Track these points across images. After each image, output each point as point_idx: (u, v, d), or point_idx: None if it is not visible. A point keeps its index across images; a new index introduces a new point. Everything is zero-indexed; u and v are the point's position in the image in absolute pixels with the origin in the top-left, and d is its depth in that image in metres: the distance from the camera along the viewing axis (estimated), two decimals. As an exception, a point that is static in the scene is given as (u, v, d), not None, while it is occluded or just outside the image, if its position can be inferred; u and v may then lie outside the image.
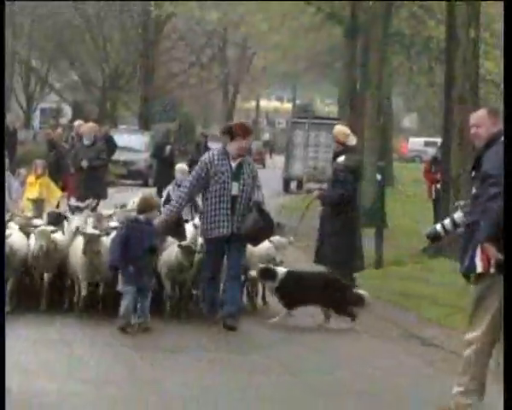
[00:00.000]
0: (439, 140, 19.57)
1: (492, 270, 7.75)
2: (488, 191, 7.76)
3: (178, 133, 43.61)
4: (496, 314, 7.85)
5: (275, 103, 69.23)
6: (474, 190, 8.30)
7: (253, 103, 63.01)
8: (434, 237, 9.62)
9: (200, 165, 11.63)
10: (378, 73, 22.87)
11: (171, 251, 11.96)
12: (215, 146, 13.70)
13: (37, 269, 12.55)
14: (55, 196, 15.98)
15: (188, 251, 11.59)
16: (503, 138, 7.88)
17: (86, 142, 17.18)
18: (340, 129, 14.74)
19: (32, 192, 16.26)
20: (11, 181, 16.57)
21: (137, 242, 11.02)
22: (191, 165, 14.20)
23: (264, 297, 13.35)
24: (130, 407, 8.54)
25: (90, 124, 19.08)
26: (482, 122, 8.44)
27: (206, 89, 56.09)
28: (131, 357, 10.30)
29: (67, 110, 55.56)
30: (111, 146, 27.48)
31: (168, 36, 50.94)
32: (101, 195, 16.50)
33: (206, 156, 11.84)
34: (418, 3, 26.32)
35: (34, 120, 56.84)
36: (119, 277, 11.33)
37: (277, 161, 48.44)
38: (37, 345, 10.90)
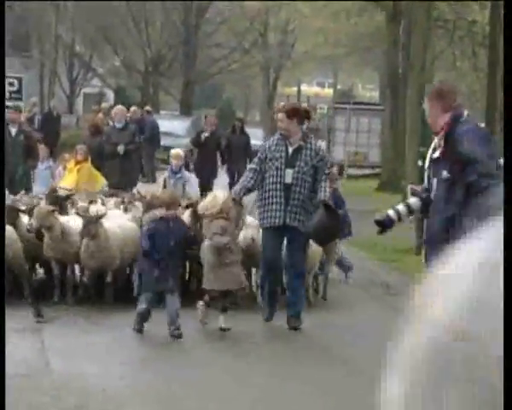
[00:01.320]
0: (482, 125, 19.49)
1: None
2: (475, 181, 7.07)
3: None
4: None
5: (316, 89, 69.10)
6: (443, 174, 7.58)
7: (294, 89, 62.89)
8: (387, 223, 8.56)
9: (261, 149, 11.21)
10: (421, 57, 22.72)
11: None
12: (254, 131, 13.68)
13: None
14: (98, 183, 15.62)
15: None
16: (466, 113, 7.43)
17: (118, 125, 17.07)
18: None
19: (70, 179, 15.89)
20: (53, 167, 16.57)
21: (163, 241, 10.59)
22: (226, 149, 13.90)
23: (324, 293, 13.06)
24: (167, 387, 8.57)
25: (120, 106, 18.80)
26: (429, 107, 7.80)
27: (248, 74, 56.11)
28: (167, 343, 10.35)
29: (110, 95, 55.68)
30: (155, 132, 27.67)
31: (210, 20, 50.93)
32: (133, 180, 16.26)
33: (267, 141, 11.37)
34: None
35: (77, 104, 56.97)
36: (136, 280, 11.26)
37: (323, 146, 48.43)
38: (77, 331, 11.03)
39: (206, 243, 11.01)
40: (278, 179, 10.58)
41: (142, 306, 10.64)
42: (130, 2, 48.36)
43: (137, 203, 13.37)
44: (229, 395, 8.47)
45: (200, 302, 10.89)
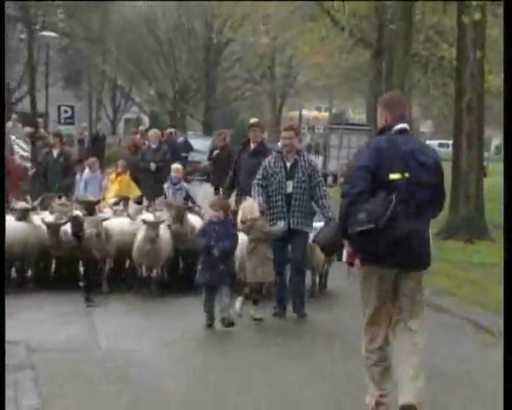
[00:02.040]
0: (450, 142, 19.43)
1: (357, 262, 6.55)
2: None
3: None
4: (373, 301, 6.35)
5: (314, 113, 68.84)
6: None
7: (297, 113, 62.75)
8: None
9: (262, 168, 10.72)
10: (400, 87, 22.64)
11: None
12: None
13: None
14: (133, 193, 15.11)
15: None
16: (398, 127, 6.31)
17: (153, 146, 17.01)
18: None
19: (113, 188, 15.83)
20: (100, 177, 16.53)
21: (211, 242, 9.96)
22: (235, 164, 13.66)
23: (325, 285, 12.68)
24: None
25: (155, 130, 18.70)
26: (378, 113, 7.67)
27: (258, 101, 56.13)
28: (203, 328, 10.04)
29: (146, 120, 55.64)
30: (188, 146, 27.57)
31: (227, 57, 51.05)
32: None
33: (266, 160, 10.90)
34: (433, 29, 26.07)
35: (119, 128, 57.06)
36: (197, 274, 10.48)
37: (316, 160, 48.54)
38: (123, 314, 11.01)
39: (250, 241, 10.38)
40: (280, 190, 10.36)
41: (206, 307, 10.01)
42: (161, 43, 48.49)
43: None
44: (261, 379, 8.06)
45: (241, 295, 10.30)
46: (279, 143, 11.57)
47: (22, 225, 12.05)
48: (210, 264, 9.93)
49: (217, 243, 9.87)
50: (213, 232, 9.95)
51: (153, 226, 11.33)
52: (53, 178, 16.12)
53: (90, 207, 12.53)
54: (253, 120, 13.44)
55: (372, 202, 6.03)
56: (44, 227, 11.91)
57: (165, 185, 14.72)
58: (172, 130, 27.35)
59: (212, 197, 14.14)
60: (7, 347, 8.88)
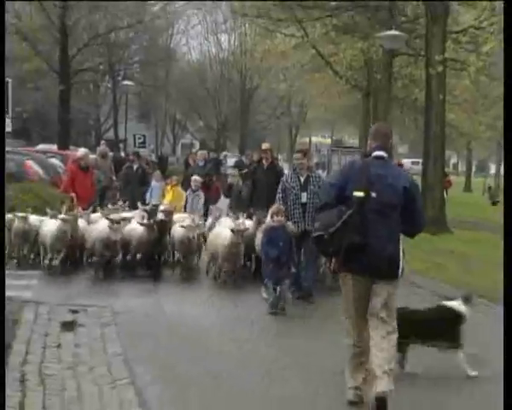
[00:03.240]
0: (420, 160, 19.36)
1: (333, 267, 5.71)
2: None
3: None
4: (352, 300, 5.56)
5: (320, 139, 68.60)
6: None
7: (307, 139, 62.79)
8: None
9: (281, 183, 10.22)
10: (383, 120, 22.61)
11: None
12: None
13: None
14: (181, 202, 14.50)
15: None
16: (374, 154, 5.61)
17: (200, 164, 16.91)
18: None
19: (168, 197, 15.29)
20: (163, 185, 16.42)
21: (273, 243, 9.32)
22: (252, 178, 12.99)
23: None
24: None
25: (202, 151, 18.69)
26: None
27: (279, 130, 56.30)
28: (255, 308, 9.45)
29: (197, 144, 55.89)
30: (220, 164, 27.60)
31: (256, 99, 51.23)
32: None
33: (284, 177, 10.47)
34: (408, 78, 25.97)
35: (177, 150, 57.33)
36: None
37: (322, 175, 48.60)
38: (183, 289, 10.89)
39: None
40: (297, 200, 9.88)
41: (270, 298, 9.14)
42: (209, 88, 48.74)
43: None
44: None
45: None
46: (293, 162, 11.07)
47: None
48: (276, 262, 9.17)
49: (279, 245, 9.20)
50: (276, 235, 9.29)
51: (238, 233, 10.42)
52: (133, 187, 16.08)
53: (169, 215, 12.02)
54: (265, 146, 12.83)
55: (328, 213, 5.44)
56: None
57: (188, 192, 14.42)
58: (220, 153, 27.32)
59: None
60: (98, 309, 8.97)
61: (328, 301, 9.81)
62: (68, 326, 8.04)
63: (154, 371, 6.64)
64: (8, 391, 5.84)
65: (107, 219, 11.08)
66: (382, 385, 5.33)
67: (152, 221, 11.57)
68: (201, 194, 14.44)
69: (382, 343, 5.45)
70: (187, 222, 11.46)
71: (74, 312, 8.69)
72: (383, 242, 5.42)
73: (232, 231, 10.45)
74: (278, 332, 8.41)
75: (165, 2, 35.94)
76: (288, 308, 9.24)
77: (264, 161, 12.39)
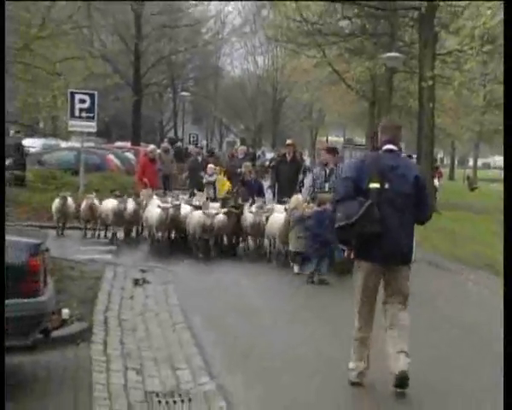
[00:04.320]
0: (414, 155, 19.07)
1: (352, 256, 4.87)
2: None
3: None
4: (362, 288, 4.79)
5: (335, 138, 67.56)
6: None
7: (324, 138, 62.11)
8: None
9: (311, 174, 9.66)
10: (385, 124, 22.37)
11: None
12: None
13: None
14: (224, 189, 13.56)
15: None
16: (385, 147, 4.86)
17: (240, 156, 16.32)
18: None
19: (218, 183, 14.13)
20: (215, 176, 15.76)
21: (323, 224, 8.48)
22: (277, 170, 12.05)
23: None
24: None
25: (242, 147, 18.22)
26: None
27: (302, 131, 55.73)
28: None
29: (238, 142, 55.71)
30: (255, 157, 27.34)
31: (284, 106, 50.85)
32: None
33: (314, 170, 9.81)
34: (405, 90, 25.58)
35: (223, 147, 57.36)
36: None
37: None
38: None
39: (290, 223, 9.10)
40: (322, 189, 9.16)
41: (309, 267, 8.63)
42: (248, 99, 48.55)
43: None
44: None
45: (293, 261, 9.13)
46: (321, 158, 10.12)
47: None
48: (320, 241, 8.51)
49: (323, 227, 8.45)
50: (322, 219, 8.54)
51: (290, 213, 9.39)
52: (198, 175, 14.77)
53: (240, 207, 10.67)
54: (289, 141, 12.14)
55: (349, 204, 4.67)
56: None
57: (204, 174, 13.51)
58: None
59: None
60: (162, 270, 9.01)
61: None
62: (139, 282, 8.12)
63: (205, 321, 6.58)
64: (95, 330, 5.97)
65: (194, 207, 10.41)
66: (400, 364, 4.61)
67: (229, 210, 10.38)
68: (211, 178, 13.39)
69: (396, 324, 4.74)
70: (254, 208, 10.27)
71: (143, 271, 8.79)
72: (399, 230, 4.69)
73: (286, 210, 9.51)
74: (320, 302, 7.71)
75: (215, 31, 37.02)
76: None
77: (287, 155, 11.77)
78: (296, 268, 8.99)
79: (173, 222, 10.33)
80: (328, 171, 9.27)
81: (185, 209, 10.48)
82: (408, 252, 4.83)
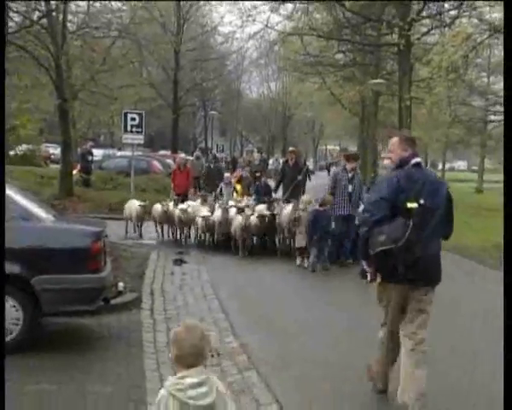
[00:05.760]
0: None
1: (379, 280, 3.50)
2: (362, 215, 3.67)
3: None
4: (391, 311, 3.60)
5: (333, 147, 67.26)
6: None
7: (324, 147, 61.78)
8: None
9: (333, 175, 8.63)
10: (372, 136, 22.17)
11: None
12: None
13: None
14: (241, 192, 12.35)
15: None
16: (413, 161, 3.57)
17: (256, 162, 15.52)
18: None
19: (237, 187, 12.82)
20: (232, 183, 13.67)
21: (320, 222, 7.84)
22: (281, 173, 11.00)
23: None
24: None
25: (257, 153, 18.10)
26: (393, 148, 3.60)
27: (306, 141, 55.42)
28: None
29: (255, 150, 55.40)
30: (267, 164, 26.96)
31: (292, 122, 50.44)
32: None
33: (335, 171, 8.64)
34: (388, 110, 25.27)
35: (243, 154, 57.02)
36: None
37: (335, 170, 47.26)
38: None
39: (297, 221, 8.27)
40: (345, 190, 8.27)
41: (313, 258, 7.88)
42: (263, 115, 48.34)
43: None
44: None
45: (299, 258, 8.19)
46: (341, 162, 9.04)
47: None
48: (317, 237, 7.87)
49: (323, 224, 7.88)
50: (321, 218, 7.92)
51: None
52: (211, 181, 13.83)
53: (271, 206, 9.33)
54: (291, 148, 11.49)
55: (391, 226, 3.41)
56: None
57: (221, 184, 12.50)
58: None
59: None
60: (196, 254, 8.99)
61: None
62: (178, 262, 8.13)
63: (231, 291, 6.54)
64: (143, 299, 6.03)
65: (238, 207, 9.27)
66: (419, 384, 3.47)
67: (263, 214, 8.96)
68: (231, 186, 12.32)
69: (413, 346, 3.54)
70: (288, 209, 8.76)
71: (181, 253, 8.80)
72: (433, 248, 3.55)
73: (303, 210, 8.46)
74: (323, 285, 7.25)
75: (237, 63, 37.62)
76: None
77: (289, 160, 11.18)
78: (298, 261, 8.15)
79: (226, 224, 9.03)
80: (350, 175, 8.26)
81: (231, 212, 9.19)
82: (439, 270, 3.61)
